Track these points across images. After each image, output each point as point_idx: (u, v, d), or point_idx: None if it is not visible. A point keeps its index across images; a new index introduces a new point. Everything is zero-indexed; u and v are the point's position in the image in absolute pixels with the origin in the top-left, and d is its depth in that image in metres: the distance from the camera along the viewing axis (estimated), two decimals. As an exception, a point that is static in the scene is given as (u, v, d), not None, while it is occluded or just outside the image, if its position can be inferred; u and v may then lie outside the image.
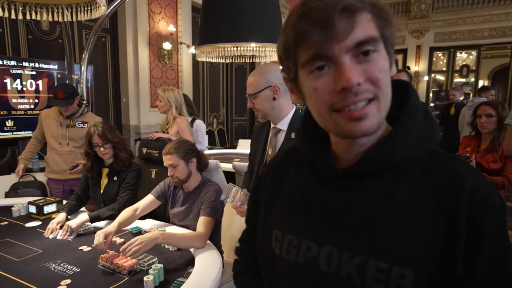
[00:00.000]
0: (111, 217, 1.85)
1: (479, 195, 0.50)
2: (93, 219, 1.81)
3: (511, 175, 1.93)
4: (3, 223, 1.89)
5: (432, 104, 7.93)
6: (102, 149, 1.96)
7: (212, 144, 6.44)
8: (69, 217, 1.89)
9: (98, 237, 1.47)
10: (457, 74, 9.60)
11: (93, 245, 1.42)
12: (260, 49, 2.87)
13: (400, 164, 0.54)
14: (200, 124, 3.15)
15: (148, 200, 1.82)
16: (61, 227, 1.74)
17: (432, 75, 9.53)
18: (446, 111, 5.00)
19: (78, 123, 2.57)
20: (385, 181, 0.55)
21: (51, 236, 1.69)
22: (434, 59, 9.47)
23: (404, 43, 9.15)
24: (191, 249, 1.56)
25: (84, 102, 2.72)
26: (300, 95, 0.57)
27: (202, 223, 1.62)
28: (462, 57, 10.02)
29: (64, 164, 2.52)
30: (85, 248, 1.58)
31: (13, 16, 1.98)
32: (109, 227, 1.56)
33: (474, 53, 9.27)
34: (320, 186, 0.60)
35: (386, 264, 0.51)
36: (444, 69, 9.50)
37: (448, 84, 9.35)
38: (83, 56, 3.48)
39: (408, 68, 8.75)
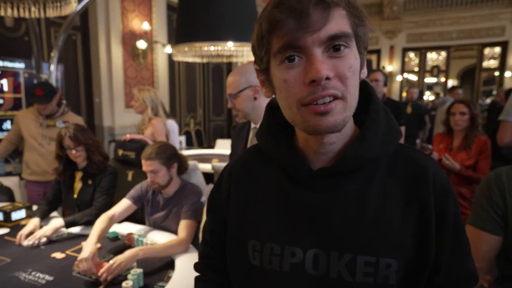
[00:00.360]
0: (88, 223, 1.77)
1: (440, 181, 0.56)
2: (68, 225, 1.73)
3: (486, 170, 2.02)
4: (-34, 232, 1.77)
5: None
6: (74, 151, 1.86)
7: (189, 144, 6.35)
8: (42, 223, 1.79)
9: (83, 265, 1.28)
10: (428, 74, 9.96)
11: (78, 272, 1.31)
12: (238, 48, 2.85)
13: (372, 160, 0.57)
14: (171, 124, 3.07)
15: (124, 205, 1.72)
16: (30, 233, 1.65)
17: (405, 75, 9.84)
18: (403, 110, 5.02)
19: (59, 123, 2.51)
20: (360, 178, 0.57)
21: (25, 243, 1.60)
22: (406, 59, 9.78)
23: (378, 43, 9.39)
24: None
25: (64, 102, 2.67)
26: (270, 87, 0.57)
27: (184, 227, 1.58)
28: (433, 58, 10.41)
29: (46, 165, 2.44)
30: (58, 255, 1.50)
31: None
32: (88, 248, 1.35)
33: (443, 53, 9.64)
34: (296, 188, 0.59)
35: (374, 257, 0.53)
36: (416, 69, 9.83)
37: (419, 84, 9.68)
38: (52, 54, 3.33)
39: (383, 68, 8.99)
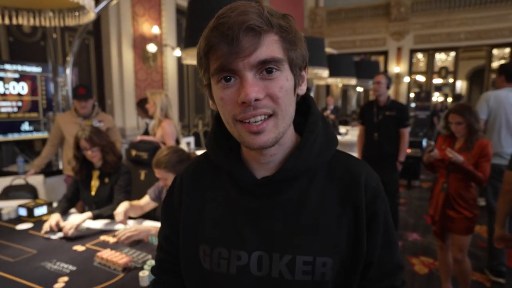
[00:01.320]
0: (111, 217, 1.91)
1: (371, 185, 0.63)
2: (95, 217, 1.87)
3: (486, 172, 2.08)
4: (-7, 226, 1.91)
5: (413, 105, 8.17)
6: (90, 152, 1.99)
7: (198, 145, 6.47)
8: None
9: (119, 217, 1.67)
10: (436, 75, 9.92)
11: (98, 263, 1.45)
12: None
13: (311, 169, 0.62)
14: (168, 126, 3.20)
15: (146, 200, 1.96)
16: (59, 229, 1.79)
17: (413, 76, 9.83)
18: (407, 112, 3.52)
19: (95, 122, 2.80)
20: (299, 185, 0.62)
21: (56, 235, 1.73)
22: (414, 60, 9.76)
23: (385, 45, 9.40)
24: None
25: (96, 103, 2.99)
26: (213, 102, 0.61)
27: None
28: (441, 59, 10.38)
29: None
30: (79, 248, 1.62)
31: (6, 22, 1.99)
32: (122, 206, 1.81)
33: (452, 54, 9.61)
34: (242, 195, 0.63)
35: (311, 257, 0.59)
36: (424, 70, 9.81)
37: (427, 85, 9.67)
38: (67, 59, 3.48)
39: (386, 71, 8.99)
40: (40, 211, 2.01)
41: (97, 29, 4.81)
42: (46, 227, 1.75)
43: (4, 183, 2.54)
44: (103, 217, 1.90)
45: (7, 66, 3.59)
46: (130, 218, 1.94)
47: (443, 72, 10.16)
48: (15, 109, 3.68)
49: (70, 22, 2.17)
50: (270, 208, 0.61)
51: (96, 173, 2.09)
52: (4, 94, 3.57)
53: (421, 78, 10.22)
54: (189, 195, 0.69)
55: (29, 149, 3.98)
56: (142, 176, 2.40)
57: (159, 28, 5.30)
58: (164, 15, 5.46)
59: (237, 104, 0.54)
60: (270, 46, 0.53)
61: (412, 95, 9.39)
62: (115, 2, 3.67)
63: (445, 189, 2.22)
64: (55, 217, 1.82)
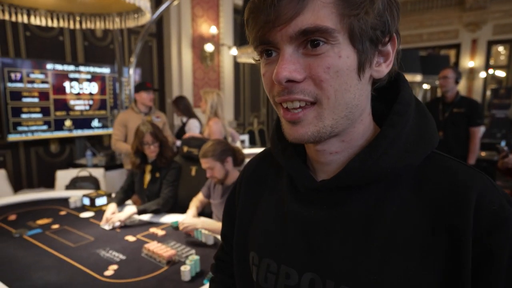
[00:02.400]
0: (156, 211, 1.99)
1: (489, 207, 0.41)
2: (140, 212, 1.95)
3: None
4: (62, 213, 2.10)
5: (490, 103, 7.34)
6: (152, 147, 2.10)
7: (252, 143, 6.53)
8: (118, 208, 2.05)
9: (187, 222, 1.71)
10: (519, 69, 8.79)
11: (146, 254, 1.51)
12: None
13: (389, 174, 0.45)
14: (192, 123, 3.27)
15: (200, 197, 2.06)
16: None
17: (490, 71, 8.82)
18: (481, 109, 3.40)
19: (154, 118, 3.02)
20: (371, 194, 0.46)
21: (106, 227, 1.85)
22: (493, 53, 8.76)
23: (457, 37, 8.57)
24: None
25: None
26: None
27: None
28: (527, 51, 9.16)
29: None
30: (131, 238, 1.71)
31: (72, 27, 2.19)
32: (190, 212, 1.92)
33: (540, 45, 8.43)
34: (299, 201, 0.51)
35: None
36: (505, 64, 8.75)
37: (508, 81, 8.60)
38: (131, 59, 3.72)
39: (456, 65, 8.18)
40: (100, 201, 2.17)
41: (159, 31, 5.09)
42: (103, 220, 1.88)
43: (72, 174, 2.80)
44: (147, 212, 1.97)
45: (82, 68, 3.95)
46: (171, 211, 1.99)
47: (529, 65, 8.94)
48: (87, 107, 4.04)
49: (131, 23, 2.31)
50: (328, 222, 0.47)
51: (148, 168, 2.19)
52: (78, 94, 3.95)
53: (500, 73, 9.13)
54: (246, 194, 0.61)
55: (98, 144, 4.35)
56: (193, 172, 2.47)
57: (216, 28, 5.44)
58: (221, 15, 5.59)
59: (274, 83, 0.44)
60: (317, 12, 0.40)
61: (489, 92, 8.43)
62: (176, 2, 3.85)
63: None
64: (111, 208, 1.94)
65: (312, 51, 0.41)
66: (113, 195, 2.27)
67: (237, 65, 6.14)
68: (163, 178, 2.13)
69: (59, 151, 4.15)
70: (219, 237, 1.67)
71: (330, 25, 0.40)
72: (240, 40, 3.42)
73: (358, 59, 0.43)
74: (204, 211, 2.16)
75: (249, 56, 3.61)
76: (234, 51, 5.60)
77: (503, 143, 5.55)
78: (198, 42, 5.26)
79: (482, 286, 0.40)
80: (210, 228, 1.66)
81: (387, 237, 0.44)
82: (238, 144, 3.28)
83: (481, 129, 2.94)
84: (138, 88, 2.98)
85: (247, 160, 2.51)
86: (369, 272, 0.44)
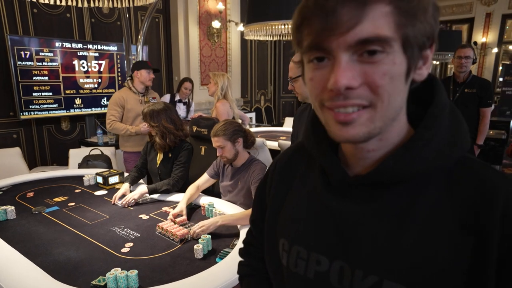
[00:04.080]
0: (166, 191, 2.05)
1: None
2: (150, 192, 2.01)
3: None
4: (77, 191, 2.18)
5: (501, 79, 7.18)
6: (147, 125, 2.18)
7: (259, 121, 6.54)
8: (131, 187, 2.12)
9: (170, 215, 1.70)
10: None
11: (159, 232, 1.57)
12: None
13: (421, 174, 0.48)
14: (221, 106, 3.26)
15: (205, 179, 2.05)
16: (123, 196, 1.98)
17: (504, 47, 8.56)
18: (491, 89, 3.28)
19: (150, 99, 2.96)
20: (404, 192, 0.48)
21: (118, 203, 1.93)
22: (507, 27, 8.46)
23: (471, 11, 8.27)
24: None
25: None
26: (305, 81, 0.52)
27: None
28: (543, 25, 8.81)
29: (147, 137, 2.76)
30: (144, 216, 1.78)
31: (79, 5, 2.17)
32: (179, 206, 1.79)
33: (557, 19, 8.11)
34: (331, 193, 0.54)
35: (403, 286, 0.46)
36: (519, 39, 8.47)
37: (522, 56, 8.35)
38: (139, 37, 3.70)
39: (475, 43, 7.94)
40: (113, 179, 2.24)
41: (166, 7, 5.00)
42: (115, 197, 1.96)
43: (84, 152, 2.87)
44: (157, 192, 2.04)
45: (90, 46, 3.95)
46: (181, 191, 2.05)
47: (544, 40, 8.64)
48: (96, 85, 4.07)
49: (138, 2, 2.29)
50: (360, 215, 0.50)
51: (160, 146, 2.23)
52: (87, 72, 3.97)
53: (514, 49, 8.85)
54: (278, 184, 0.65)
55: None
56: (202, 151, 2.51)
57: (223, 4, 5.33)
58: (228, -10, 5.46)
59: (326, 89, 0.44)
60: (376, 21, 0.40)
61: (500, 68, 8.22)
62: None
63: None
64: (124, 187, 2.01)
65: (368, 59, 0.42)
66: (125, 174, 2.33)
67: (244, 42, 6.06)
68: (175, 158, 2.18)
69: (70, 129, 4.22)
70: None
71: (389, 34, 0.41)
72: (247, 17, 3.37)
73: (407, 65, 0.44)
74: (214, 190, 2.22)
75: (256, 34, 3.56)
76: (241, 27, 5.50)
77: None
78: (205, 18, 5.17)
79: (506, 281, 0.43)
80: (231, 222, 1.61)
81: (417, 233, 0.46)
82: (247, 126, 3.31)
83: (491, 109, 2.91)
84: (139, 66, 2.84)
85: (258, 139, 2.53)
86: (398, 264, 0.46)
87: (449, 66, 9.31)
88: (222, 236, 1.57)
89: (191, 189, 1.97)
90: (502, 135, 4.82)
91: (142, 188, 2.00)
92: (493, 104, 2.95)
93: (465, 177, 0.47)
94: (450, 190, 0.47)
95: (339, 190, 0.53)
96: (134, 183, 2.18)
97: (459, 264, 0.44)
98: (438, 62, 9.72)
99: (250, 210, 1.67)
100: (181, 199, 1.90)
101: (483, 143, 2.93)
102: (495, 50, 8.15)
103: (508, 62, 8.38)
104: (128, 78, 3.00)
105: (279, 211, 0.62)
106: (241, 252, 0.79)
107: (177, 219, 1.67)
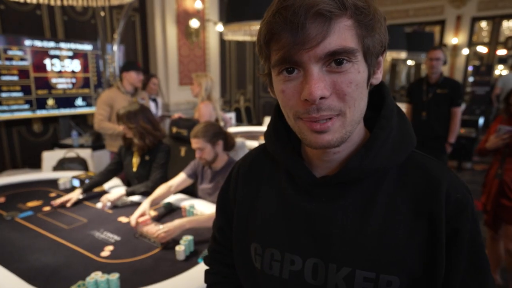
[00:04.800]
0: (145, 194, 2.02)
1: (455, 195, 0.51)
2: (128, 194, 1.98)
3: None
4: (52, 194, 2.11)
5: (471, 79, 7.51)
6: (123, 127, 2.08)
7: (239, 121, 6.54)
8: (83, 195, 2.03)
9: (134, 216, 1.59)
10: (501, 46, 8.95)
11: (140, 235, 1.54)
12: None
13: (379, 170, 0.54)
14: (204, 107, 3.30)
15: (180, 179, 1.96)
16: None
17: (472, 48, 8.95)
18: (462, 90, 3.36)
19: (139, 99, 2.95)
20: (365, 187, 0.54)
21: (98, 205, 1.89)
22: (476, 30, 8.85)
23: (443, 13, 8.59)
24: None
25: None
26: (273, 92, 0.55)
27: None
28: (509, 27, 9.28)
29: None
30: (124, 219, 1.74)
31: (52, 3, 2.10)
32: (143, 207, 1.67)
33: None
34: (299, 194, 0.57)
35: (373, 273, 0.51)
36: (487, 41, 8.88)
37: (490, 57, 8.76)
38: (115, 36, 3.61)
39: (444, 45, 8.26)
40: (91, 182, 2.18)
41: (142, 5, 4.91)
42: (57, 202, 1.89)
43: (59, 155, 2.77)
44: (136, 194, 2.00)
45: (62, 45, 3.82)
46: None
47: (510, 42, 9.10)
48: (70, 86, 3.94)
49: (115, 1, 2.24)
50: (329, 212, 0.54)
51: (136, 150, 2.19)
52: (60, 72, 3.84)
53: (482, 50, 9.28)
54: (244, 189, 0.66)
55: (83, 123, 4.28)
56: (183, 153, 2.49)
57: (201, 3, 5.29)
58: (206, -11, 5.42)
59: (300, 100, 0.47)
60: (341, 34, 0.45)
61: (470, 68, 8.59)
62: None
63: (499, 176, 2.05)
64: (74, 194, 1.95)
65: (336, 69, 0.46)
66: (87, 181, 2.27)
67: (223, 42, 6.04)
68: (152, 161, 2.14)
69: (43, 130, 4.07)
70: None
71: (353, 45, 0.46)
72: (226, 17, 3.36)
73: (368, 71, 0.50)
74: (195, 191, 2.20)
75: (235, 34, 3.56)
76: (220, 27, 5.48)
77: (481, 120, 5.75)
78: (182, 17, 5.12)
79: (452, 255, 0.51)
80: (198, 225, 1.56)
81: (379, 223, 0.52)
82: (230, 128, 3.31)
83: (461, 109, 3.03)
84: (128, 67, 2.85)
85: (238, 140, 2.53)
86: (366, 254, 0.52)
87: (422, 66, 9.63)
88: (204, 237, 1.56)
89: (160, 188, 1.87)
90: (472, 133, 5.04)
91: (119, 190, 1.96)
92: (462, 104, 3.08)
93: (414, 169, 0.54)
94: (403, 181, 0.54)
95: (306, 190, 0.57)
96: (88, 190, 2.06)
97: (416, 246, 0.51)
98: (412, 63, 10.04)
99: (213, 213, 1.66)
100: (160, 200, 1.87)
101: (454, 141, 3.06)
102: (466, 51, 8.50)
103: (477, 63, 8.78)
104: (117, 78, 3.02)
105: (248, 215, 0.64)
106: (208, 260, 0.78)
107: (140, 219, 1.57)
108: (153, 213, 1.82)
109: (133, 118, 2.06)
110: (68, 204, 1.90)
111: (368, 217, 0.53)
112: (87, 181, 2.15)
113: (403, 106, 3.95)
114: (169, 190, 1.90)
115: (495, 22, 8.54)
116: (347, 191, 0.54)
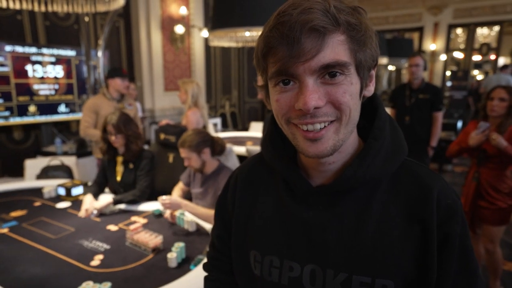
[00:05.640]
0: (132, 202, 2.01)
1: (445, 201, 0.54)
2: (116, 202, 1.96)
3: None
4: (36, 204, 2.06)
5: (449, 84, 7.76)
6: (113, 137, 2.05)
7: (224, 126, 6.54)
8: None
9: (166, 201, 1.74)
10: (476, 52, 9.31)
11: (130, 243, 1.53)
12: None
13: (373, 179, 0.56)
14: (192, 115, 3.29)
15: (181, 186, 2.10)
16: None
17: (450, 54, 9.27)
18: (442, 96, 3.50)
19: (126, 105, 2.93)
20: (360, 195, 0.56)
21: (80, 214, 1.86)
22: (452, 36, 9.17)
23: (421, 20, 8.87)
24: (209, 231, 1.68)
25: None
26: (269, 102, 0.57)
27: None
28: (483, 34, 9.68)
29: None
30: (113, 227, 1.72)
31: (36, 9, 2.07)
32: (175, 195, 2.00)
33: (495, 29, 8.94)
34: (296, 202, 0.59)
35: (369, 278, 0.53)
36: (463, 47, 9.22)
37: (466, 63, 9.10)
38: (99, 42, 3.57)
39: (423, 51, 8.52)
40: (77, 191, 2.14)
41: (127, 11, 4.87)
42: (82, 213, 1.87)
43: (42, 163, 2.71)
44: (123, 202, 1.99)
45: (45, 50, 3.75)
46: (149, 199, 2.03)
47: (484, 48, 9.49)
48: (53, 92, 3.87)
49: (101, 8, 2.22)
50: (325, 220, 0.56)
51: (120, 159, 2.17)
52: (42, 78, 3.76)
53: (459, 55, 9.63)
54: (241, 197, 0.67)
55: (66, 130, 4.20)
56: (171, 159, 2.48)
57: (186, 9, 5.29)
58: (191, -5, 5.43)
59: (293, 108, 0.50)
60: (335, 49, 0.47)
61: (448, 73, 8.89)
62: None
63: (476, 179, 2.13)
64: (88, 199, 1.93)
65: (330, 81, 0.49)
66: (90, 183, 2.25)
67: (208, 47, 6.04)
68: (137, 169, 2.13)
69: (24, 138, 3.97)
70: (201, 223, 1.73)
71: (346, 59, 0.49)
72: (212, 24, 3.37)
73: (361, 84, 0.53)
74: (185, 197, 2.20)
75: (221, 40, 3.58)
76: (205, 33, 5.49)
77: (459, 123, 5.95)
78: (167, 23, 5.11)
79: (444, 258, 0.53)
80: (192, 211, 1.72)
81: (374, 229, 0.54)
82: (210, 127, 3.28)
83: (442, 113, 3.15)
84: (113, 73, 2.84)
85: (228, 147, 2.54)
86: (362, 259, 0.54)
87: (402, 71, 9.91)
88: (195, 243, 1.57)
89: (178, 189, 2.10)
90: (451, 136, 5.21)
91: (107, 198, 1.94)
92: (442, 109, 3.19)
93: (406, 176, 0.57)
94: (396, 189, 0.56)
95: (303, 199, 0.59)
96: (95, 197, 2.07)
97: (410, 250, 0.53)
98: (393, 68, 10.31)
99: (212, 211, 1.70)
100: (152, 207, 1.89)
101: (436, 145, 3.16)
102: (443, 57, 8.80)
103: (454, 68, 9.10)
104: (103, 85, 3.00)
105: (246, 223, 0.65)
106: (207, 267, 0.78)
107: (131, 226, 1.57)
108: (143, 220, 1.80)
109: (128, 124, 2.08)
110: (98, 210, 1.88)
111: (363, 224, 0.55)
112: (73, 189, 2.12)
113: (388, 111, 4.06)
114: (183, 191, 2.10)
115: (470, 29, 8.88)
116: (343, 200, 0.56)
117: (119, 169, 2.17)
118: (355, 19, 0.49)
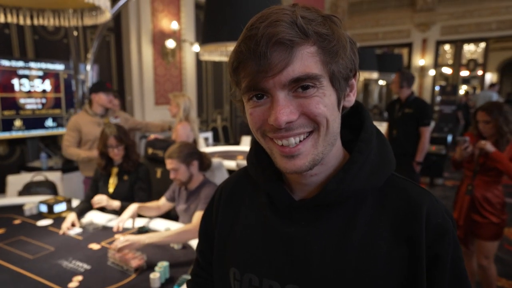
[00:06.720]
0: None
1: (435, 220, 0.51)
2: (122, 209, 1.94)
3: None
4: (16, 222, 1.97)
5: (439, 98, 7.89)
6: (116, 150, 2.05)
7: (216, 140, 6.50)
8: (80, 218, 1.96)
9: (122, 217, 1.70)
10: (464, 68, 9.51)
11: (112, 262, 1.46)
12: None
13: (358, 193, 0.53)
14: (181, 129, 3.24)
15: (162, 202, 1.99)
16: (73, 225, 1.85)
17: (438, 69, 9.45)
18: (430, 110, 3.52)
19: (111, 119, 2.84)
20: (344, 211, 0.53)
21: (71, 233, 1.80)
22: (440, 52, 9.38)
23: (410, 36, 9.08)
24: (195, 248, 1.62)
25: None
26: (245, 116, 0.55)
27: (196, 216, 1.69)
28: (470, 50, 9.92)
29: None
30: (95, 246, 1.65)
31: (21, 22, 2.04)
32: (131, 209, 1.80)
33: (482, 45, 9.17)
34: (278, 217, 0.56)
35: None
36: (451, 62, 9.42)
37: (454, 78, 9.28)
38: (88, 56, 3.54)
39: (404, 68, 8.69)
40: (59, 207, 2.06)
41: (117, 25, 4.88)
42: (64, 228, 1.80)
43: (25, 179, 2.63)
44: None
45: (32, 64, 3.69)
46: (140, 216, 1.97)
47: (471, 64, 9.71)
48: (40, 106, 3.79)
49: (88, 21, 2.20)
50: (308, 236, 0.53)
51: (115, 170, 2.13)
52: (29, 92, 3.69)
53: (447, 71, 9.83)
54: (224, 211, 0.65)
55: (53, 144, 4.11)
56: (159, 174, 2.42)
57: (178, 24, 5.32)
58: (183, 10, 5.47)
59: (267, 122, 0.48)
60: (304, 61, 0.45)
61: (437, 88, 9.05)
62: (134, -2, 3.71)
63: (470, 192, 2.11)
64: (71, 218, 1.86)
65: (302, 94, 0.47)
66: (74, 200, 2.17)
67: (199, 62, 6.06)
68: (133, 182, 2.08)
69: (8, 153, 3.86)
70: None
71: (317, 72, 0.46)
72: (202, 38, 3.38)
73: (337, 95, 0.50)
74: (171, 214, 2.14)
75: (211, 54, 3.58)
76: (196, 47, 5.51)
77: (449, 137, 6.01)
78: (158, 37, 5.12)
79: (434, 281, 0.50)
80: (158, 241, 1.50)
81: (360, 248, 0.51)
82: (201, 141, 3.26)
83: (429, 129, 3.15)
84: (96, 88, 2.75)
85: (215, 160, 2.50)
86: (346, 279, 0.50)
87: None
88: (180, 262, 1.50)
89: (152, 203, 1.96)
90: (442, 150, 5.24)
91: (132, 206, 1.84)
92: (431, 123, 3.20)
93: (394, 193, 0.54)
94: (383, 205, 0.53)
95: (286, 213, 0.56)
96: (81, 214, 2.01)
97: (396, 271, 0.50)
98: (384, 83, 10.47)
99: (183, 228, 1.62)
100: (136, 224, 1.81)
101: (422, 160, 3.14)
102: (432, 72, 8.97)
103: (443, 83, 9.26)
104: (86, 101, 2.93)
105: (227, 239, 0.63)
106: (190, 284, 0.75)
107: (112, 245, 1.45)
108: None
109: (126, 134, 2.08)
110: (73, 227, 1.84)
111: (347, 242, 0.51)
112: (55, 206, 2.04)
113: (384, 125, 4.08)
114: (158, 209, 1.95)
115: (457, 46, 9.11)
116: (327, 215, 0.54)
117: (113, 180, 2.13)
118: (326, 29, 0.47)
